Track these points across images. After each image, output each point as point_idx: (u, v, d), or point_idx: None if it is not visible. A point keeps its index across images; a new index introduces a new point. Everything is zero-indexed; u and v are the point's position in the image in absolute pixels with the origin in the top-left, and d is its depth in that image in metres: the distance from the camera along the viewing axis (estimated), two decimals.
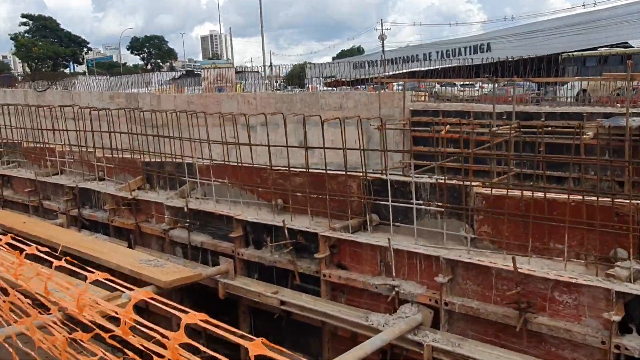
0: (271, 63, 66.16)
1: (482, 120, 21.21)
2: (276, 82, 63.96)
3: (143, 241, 9.34)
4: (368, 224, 6.97)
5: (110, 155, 10.42)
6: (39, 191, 11.34)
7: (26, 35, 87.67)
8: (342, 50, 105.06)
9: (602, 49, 41.33)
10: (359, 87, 49.11)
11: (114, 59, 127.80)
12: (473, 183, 6.33)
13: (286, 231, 7.08)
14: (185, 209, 8.38)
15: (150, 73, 70.91)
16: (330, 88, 48.53)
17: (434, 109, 23.11)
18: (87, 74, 77.10)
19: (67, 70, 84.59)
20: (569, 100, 26.56)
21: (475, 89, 35.29)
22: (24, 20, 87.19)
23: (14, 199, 11.93)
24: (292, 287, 7.32)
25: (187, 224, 8.37)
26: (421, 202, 6.62)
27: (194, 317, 2.28)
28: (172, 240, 8.75)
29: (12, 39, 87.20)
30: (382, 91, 24.71)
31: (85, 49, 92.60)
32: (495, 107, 19.18)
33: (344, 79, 58.47)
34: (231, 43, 71.70)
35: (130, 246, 9.17)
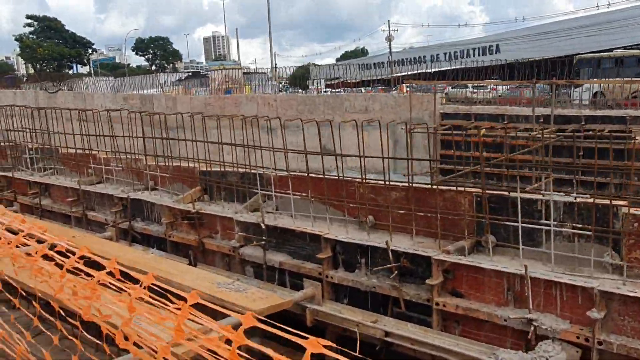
0: (275, 64, 65.20)
1: (518, 124, 20.46)
2: (279, 83, 63.02)
3: (205, 258, 8.48)
4: (489, 246, 6.12)
5: (164, 164, 9.57)
6: (82, 201, 10.47)
7: (31, 36, 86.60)
8: (345, 52, 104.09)
9: (618, 50, 40.60)
10: (369, 88, 48.31)
11: (117, 60, 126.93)
12: (619, 203, 5.49)
13: (390, 253, 6.23)
14: (262, 225, 7.51)
15: (156, 74, 70.05)
16: (336, 90, 47.68)
17: (466, 112, 22.29)
18: (92, 74, 76.18)
19: (70, 72, 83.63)
20: (584, 102, 25.79)
21: (487, 90, 34.52)
22: (29, 21, 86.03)
23: (54, 209, 11.05)
24: (392, 315, 6.48)
25: (262, 242, 7.51)
26: (553, 222, 5.77)
27: (318, 345, 1.93)
28: (242, 258, 7.89)
29: (16, 39, 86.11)
30: (410, 94, 23.83)
31: (89, 50, 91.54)
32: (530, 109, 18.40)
33: (350, 81, 57.65)
34: (237, 44, 71.10)
35: (190, 263, 8.32)
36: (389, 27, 71.89)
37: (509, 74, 36.20)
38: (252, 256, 7.74)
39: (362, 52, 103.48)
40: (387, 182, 6.98)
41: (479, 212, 6.30)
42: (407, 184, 6.83)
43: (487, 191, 6.17)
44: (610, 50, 40.36)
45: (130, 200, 9.43)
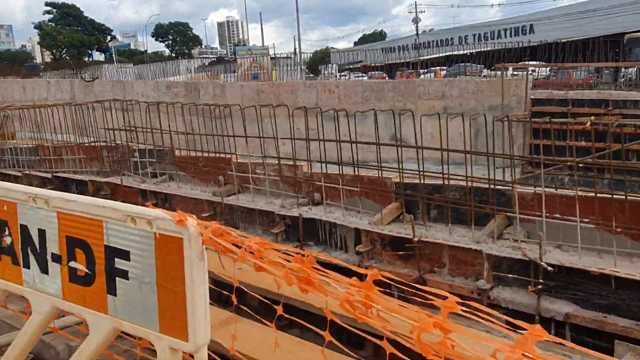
0: (299, 48, 62.65)
1: (625, 110, 18.32)
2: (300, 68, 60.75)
3: (424, 298, 6.44)
4: None
5: (339, 172, 7.48)
6: (220, 217, 8.41)
7: (50, 24, 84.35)
8: (364, 35, 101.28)
9: None
10: (398, 72, 45.85)
11: (132, 47, 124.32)
12: None
13: None
14: (541, 263, 5.42)
15: (178, 60, 67.72)
16: (360, 75, 45.36)
17: (561, 97, 20.06)
18: (115, 61, 73.84)
19: (86, 60, 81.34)
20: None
21: (529, 72, 32.23)
22: (48, 8, 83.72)
23: None
24: None
25: (538, 285, 5.45)
26: None
27: None
28: (493, 303, 5.84)
29: (36, 27, 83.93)
30: (502, 77, 21.56)
31: (108, 37, 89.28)
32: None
33: (373, 64, 55.36)
34: (262, 29, 68.51)
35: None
36: (416, 8, 69.18)
37: (547, 56, 33.92)
38: (514, 302, 5.68)
39: (381, 35, 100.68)
40: None
41: None
42: None
43: None
44: None
45: (303, 219, 7.35)
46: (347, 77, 44.16)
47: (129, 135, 10.53)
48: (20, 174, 12.17)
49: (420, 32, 77.96)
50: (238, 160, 8.80)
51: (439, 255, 6.27)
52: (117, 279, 2.44)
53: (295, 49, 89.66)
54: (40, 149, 12.52)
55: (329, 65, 61.54)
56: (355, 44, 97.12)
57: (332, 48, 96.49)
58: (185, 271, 2.17)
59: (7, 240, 3.09)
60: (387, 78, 37.07)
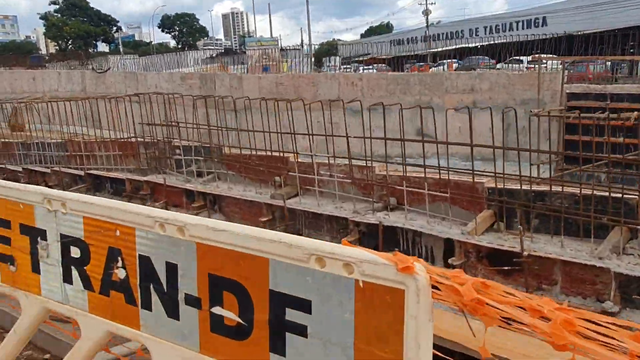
0: (309, 40, 61.58)
1: None
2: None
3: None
4: None
5: (423, 175, 6.72)
6: (280, 222, 7.65)
7: (56, 14, 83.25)
8: (370, 27, 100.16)
9: None
10: (407, 65, 44.85)
11: (136, 38, 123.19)
12: None
13: None
14: None
15: (186, 51, 66.81)
16: (367, 67, 44.47)
17: (599, 92, 19.23)
18: (121, 52, 72.86)
19: (91, 50, 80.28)
20: None
21: (544, 65, 31.37)
22: None
23: None
24: None
25: None
26: None
27: None
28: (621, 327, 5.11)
29: (41, 18, 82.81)
30: (539, 70, 20.73)
31: (114, 28, 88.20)
32: None
33: (382, 57, 54.46)
34: (270, 21, 67.29)
35: None
36: (426, 0, 68.03)
37: (558, 48, 33.05)
38: None
39: (387, 28, 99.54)
40: None
41: None
42: None
43: None
44: None
45: (384, 227, 6.59)
46: (349, 70, 43.23)
47: (164, 130, 9.75)
48: (48, 171, 11.40)
49: (425, 25, 76.84)
50: (298, 160, 8.04)
51: (550, 272, 5.53)
52: (287, 334, 1.82)
53: (302, 40, 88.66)
54: (70, 144, 11.77)
55: (331, 58, 60.49)
56: (362, 36, 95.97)
57: (339, 40, 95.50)
58: (406, 334, 1.56)
59: (120, 273, 2.34)
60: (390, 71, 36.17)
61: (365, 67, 46.26)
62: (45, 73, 39.32)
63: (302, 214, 7.44)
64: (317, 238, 6.56)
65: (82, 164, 11.41)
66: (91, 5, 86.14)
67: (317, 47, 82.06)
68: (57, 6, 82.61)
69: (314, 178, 7.62)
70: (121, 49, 75.85)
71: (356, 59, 60.18)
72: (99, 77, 35.73)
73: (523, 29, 58.07)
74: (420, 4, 76.03)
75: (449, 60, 43.26)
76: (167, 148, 9.60)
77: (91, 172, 10.55)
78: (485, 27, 63.49)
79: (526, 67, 30.82)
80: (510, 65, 33.01)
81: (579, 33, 34.68)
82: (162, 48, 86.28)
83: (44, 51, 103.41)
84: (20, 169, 12.18)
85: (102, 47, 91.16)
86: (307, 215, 7.40)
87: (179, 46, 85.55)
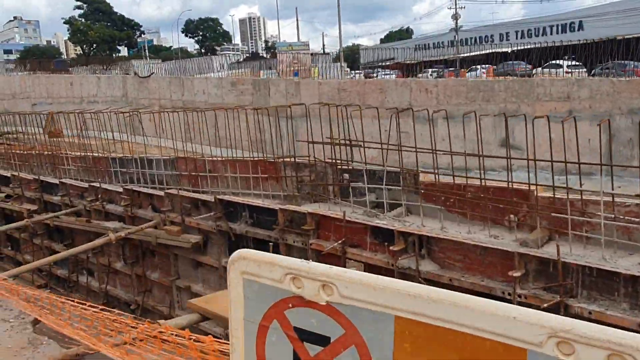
0: (340, 45, 59.53)
1: None
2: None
3: None
4: None
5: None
6: (529, 280, 5.64)
7: (80, 19, 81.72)
8: (390, 32, 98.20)
9: None
10: (431, 70, 42.70)
11: (155, 42, 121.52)
12: None
13: None
14: None
15: (210, 56, 64.99)
16: (389, 72, 42.63)
17: None
18: (139, 57, 71.01)
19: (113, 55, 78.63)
20: None
21: (584, 70, 29.36)
22: (78, 3, 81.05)
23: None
24: None
25: None
26: None
27: None
28: None
29: (66, 22, 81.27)
30: (632, 78, 18.68)
31: (138, 33, 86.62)
32: None
33: (408, 62, 52.49)
34: (297, 26, 65.18)
35: None
36: (456, 4, 66.03)
37: (599, 55, 31.15)
38: None
39: (407, 32, 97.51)
40: None
41: None
42: None
43: None
44: None
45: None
46: (355, 77, 41.38)
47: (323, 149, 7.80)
48: (161, 193, 9.41)
49: (447, 30, 74.78)
50: (543, 194, 6.01)
51: None
52: None
53: (323, 45, 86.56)
54: (182, 162, 9.80)
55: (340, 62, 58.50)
56: (382, 41, 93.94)
57: (360, 45, 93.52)
58: None
59: None
60: (402, 77, 34.19)
61: (387, 73, 44.17)
62: (83, 78, 37.54)
63: (577, 270, 5.40)
64: (611, 308, 4.52)
65: (198, 186, 9.44)
66: (114, 10, 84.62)
67: (332, 53, 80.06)
68: (82, 11, 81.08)
69: (576, 219, 5.59)
70: (146, 54, 74.19)
71: (379, 64, 58.47)
72: (141, 82, 33.86)
73: (558, 33, 56.12)
74: (450, 8, 73.68)
75: (487, 66, 41.23)
76: (330, 171, 7.58)
77: (223, 197, 8.54)
78: (516, 32, 61.54)
79: (565, 72, 28.85)
80: (548, 69, 31.08)
81: (619, 37, 32.82)
82: (183, 53, 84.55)
83: (67, 55, 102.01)
84: (120, 189, 10.20)
85: (124, 52, 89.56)
86: (587, 272, 5.36)
87: (202, 51, 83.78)
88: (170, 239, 9.15)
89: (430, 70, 40.31)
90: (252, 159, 8.65)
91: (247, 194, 8.71)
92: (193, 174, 9.43)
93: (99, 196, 10.83)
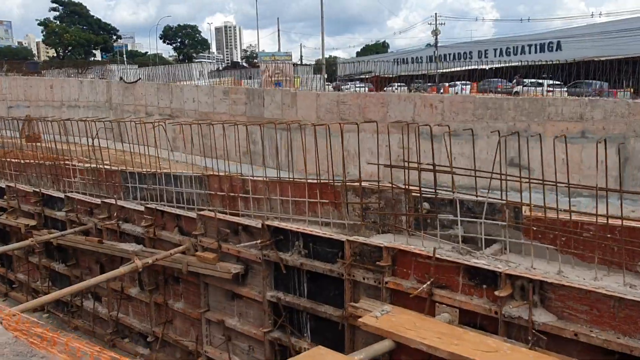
0: (322, 56, 58.60)
1: None
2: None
3: None
4: None
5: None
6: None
7: (55, 21, 79.08)
8: (366, 45, 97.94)
9: None
10: (413, 85, 42.22)
11: (129, 48, 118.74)
12: None
13: None
14: None
15: (189, 64, 63.38)
16: (362, 85, 42.12)
17: None
18: (114, 61, 68.86)
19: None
20: None
21: (564, 89, 29.29)
22: (54, 5, 78.43)
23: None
24: None
25: None
26: None
27: None
28: None
29: (40, 24, 78.51)
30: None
31: (114, 37, 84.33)
32: None
33: (386, 75, 52.05)
34: (278, 36, 63.97)
35: None
36: (436, 20, 66.02)
37: (576, 74, 31.32)
38: None
39: (383, 46, 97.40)
40: None
41: None
42: None
43: None
44: None
45: None
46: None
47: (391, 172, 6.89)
48: (192, 215, 8.28)
49: (424, 45, 74.80)
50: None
51: None
52: None
53: (301, 56, 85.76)
54: (215, 180, 8.69)
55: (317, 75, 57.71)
56: (358, 54, 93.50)
57: (338, 58, 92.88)
58: None
59: None
60: (374, 90, 33.57)
61: (361, 86, 43.16)
62: (64, 81, 35.74)
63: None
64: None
65: (235, 208, 8.33)
66: (91, 13, 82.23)
67: (313, 64, 79.35)
68: (57, 13, 78.50)
69: None
70: (125, 59, 72.10)
71: (356, 77, 58.17)
72: (127, 88, 32.33)
73: (536, 52, 56.56)
74: (431, 23, 73.58)
75: (468, 82, 40.82)
76: (404, 198, 6.59)
77: (272, 223, 7.44)
78: (495, 50, 61.88)
79: (546, 91, 28.61)
80: (527, 88, 30.89)
81: (596, 59, 33.01)
82: (160, 59, 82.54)
83: (36, 58, 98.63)
84: (140, 208, 9.02)
85: (98, 56, 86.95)
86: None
87: (180, 58, 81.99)
88: (204, 267, 8.00)
89: (396, 84, 39.74)
90: (306, 180, 7.56)
91: (298, 220, 7.63)
92: (231, 194, 8.29)
93: (114, 214, 9.59)
